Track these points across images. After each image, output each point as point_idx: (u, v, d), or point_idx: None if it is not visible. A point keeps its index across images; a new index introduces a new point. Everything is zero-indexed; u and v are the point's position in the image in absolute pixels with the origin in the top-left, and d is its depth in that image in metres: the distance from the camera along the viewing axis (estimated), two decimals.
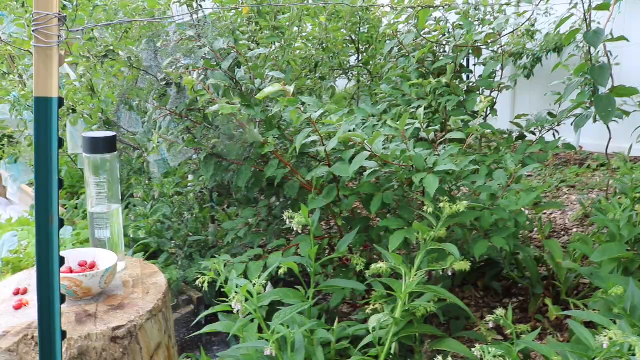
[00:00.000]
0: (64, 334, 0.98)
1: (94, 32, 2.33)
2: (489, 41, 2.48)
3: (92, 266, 1.33)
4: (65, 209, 3.39)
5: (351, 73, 4.06)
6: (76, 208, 3.46)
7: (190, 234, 2.68)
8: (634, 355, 1.33)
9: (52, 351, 0.97)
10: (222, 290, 1.65)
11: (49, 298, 0.95)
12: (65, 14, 0.92)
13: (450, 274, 1.84)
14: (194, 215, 2.76)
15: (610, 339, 1.34)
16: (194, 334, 1.92)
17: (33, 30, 0.88)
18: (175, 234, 2.61)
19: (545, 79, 4.32)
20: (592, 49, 2.24)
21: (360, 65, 3.93)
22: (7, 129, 3.33)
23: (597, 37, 2.11)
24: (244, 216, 2.32)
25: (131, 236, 2.62)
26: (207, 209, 2.77)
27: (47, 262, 0.94)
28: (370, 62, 3.94)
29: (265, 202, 2.41)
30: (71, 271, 1.31)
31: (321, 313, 2.05)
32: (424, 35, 2.45)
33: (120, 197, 1.43)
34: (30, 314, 1.21)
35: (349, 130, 1.85)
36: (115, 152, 1.40)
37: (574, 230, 3.20)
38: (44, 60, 0.91)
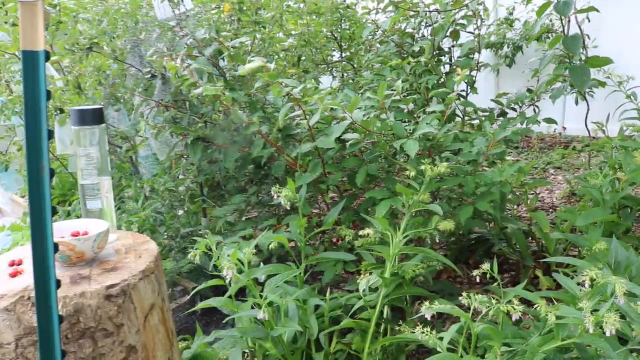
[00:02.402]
0: (58, 283, 1.01)
1: (77, 26, 2.38)
2: (464, 21, 2.54)
3: (85, 234, 1.36)
4: (59, 215, 3.40)
5: (335, 70, 4.12)
6: (69, 214, 3.48)
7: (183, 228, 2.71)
8: (615, 297, 1.37)
9: (48, 301, 1.00)
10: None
11: (42, 245, 0.98)
12: None
13: (437, 240, 1.88)
14: (186, 210, 2.79)
15: (592, 279, 1.38)
16: (188, 311, 1.95)
17: None
18: (168, 227, 2.64)
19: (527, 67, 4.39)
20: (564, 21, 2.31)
21: (344, 61, 3.99)
22: None
23: (566, 7, 2.18)
24: (233, 202, 2.36)
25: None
26: (198, 202, 2.80)
27: (39, 210, 0.97)
28: (354, 59, 4.01)
29: (254, 189, 2.45)
30: None
31: (314, 289, 2.08)
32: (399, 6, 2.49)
33: (110, 169, 1.46)
34: (26, 280, 1.24)
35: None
36: (103, 125, 1.43)
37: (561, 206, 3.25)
38: (29, 16, 0.96)
